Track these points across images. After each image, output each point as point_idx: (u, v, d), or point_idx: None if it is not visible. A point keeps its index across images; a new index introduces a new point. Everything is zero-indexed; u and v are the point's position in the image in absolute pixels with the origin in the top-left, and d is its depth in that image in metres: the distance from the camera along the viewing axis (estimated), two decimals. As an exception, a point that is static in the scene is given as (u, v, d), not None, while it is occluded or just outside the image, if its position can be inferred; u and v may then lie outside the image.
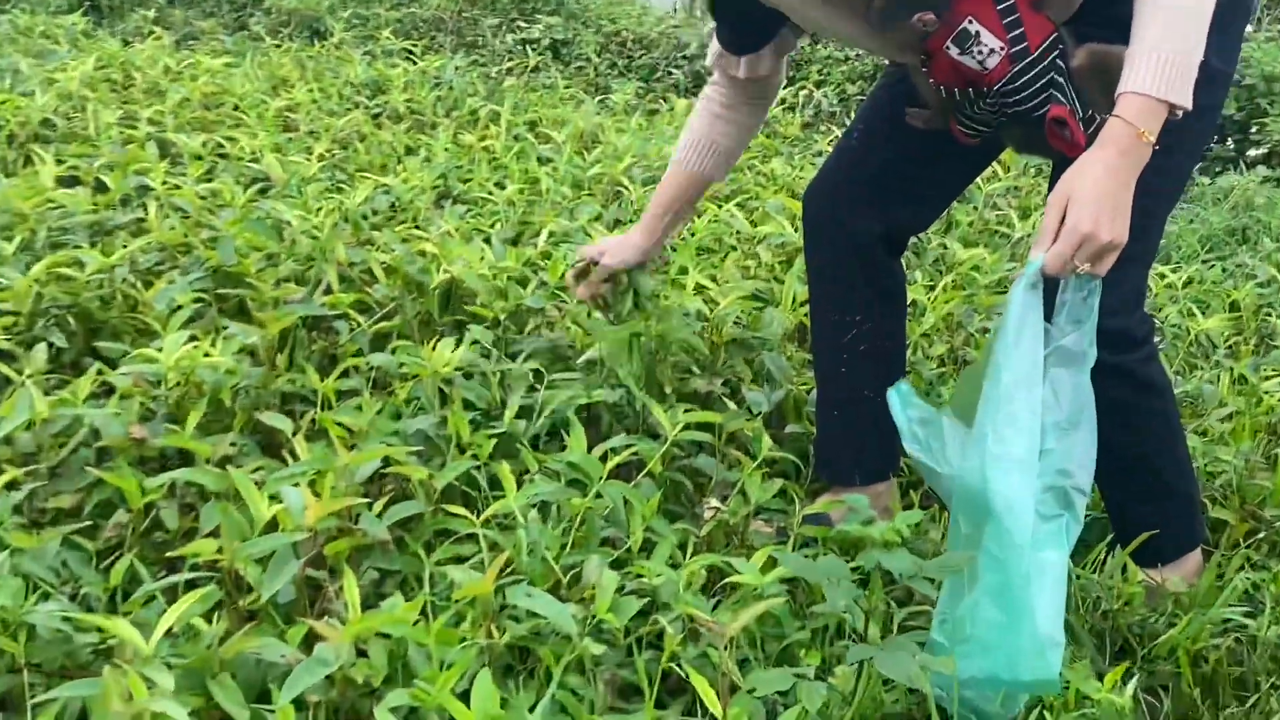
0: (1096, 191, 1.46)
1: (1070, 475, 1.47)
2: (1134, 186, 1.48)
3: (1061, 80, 1.62)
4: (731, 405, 2.11)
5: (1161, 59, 1.46)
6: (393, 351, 2.04)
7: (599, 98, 5.05)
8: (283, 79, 4.40)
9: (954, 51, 1.64)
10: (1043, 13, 1.62)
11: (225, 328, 2.03)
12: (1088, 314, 1.50)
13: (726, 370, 2.31)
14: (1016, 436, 1.42)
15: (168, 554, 1.50)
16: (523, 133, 3.98)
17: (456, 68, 4.97)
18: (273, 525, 1.44)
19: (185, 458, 1.71)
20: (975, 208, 3.71)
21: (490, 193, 3.25)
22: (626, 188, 3.45)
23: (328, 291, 2.27)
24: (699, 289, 2.53)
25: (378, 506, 1.57)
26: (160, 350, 1.82)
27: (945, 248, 3.31)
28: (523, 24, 5.96)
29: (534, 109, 4.46)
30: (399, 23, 5.92)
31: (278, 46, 5.09)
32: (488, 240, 2.79)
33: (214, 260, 2.28)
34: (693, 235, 3.03)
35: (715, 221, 3.11)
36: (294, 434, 1.67)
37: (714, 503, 1.76)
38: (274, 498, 1.46)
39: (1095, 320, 1.50)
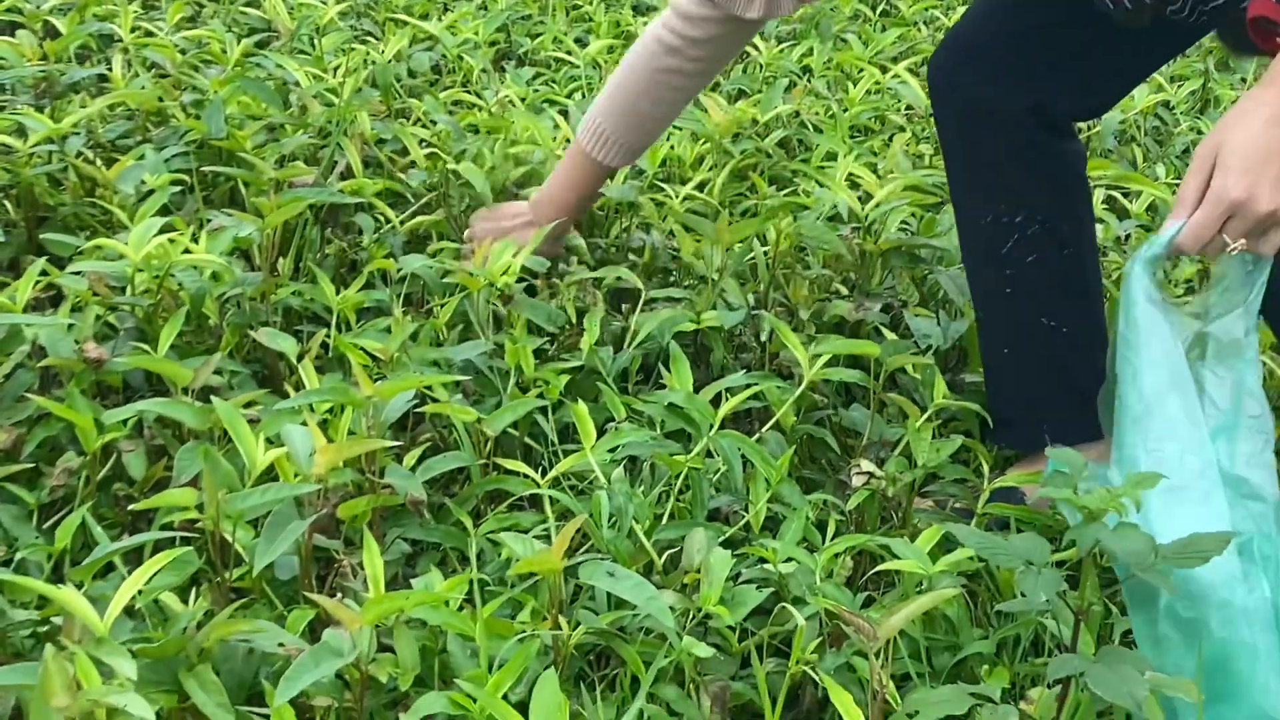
0: (1255, 146, 1.42)
1: (1246, 482, 1.49)
2: None
3: None
4: (892, 336, 2.09)
5: None
6: (433, 256, 2.05)
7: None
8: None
9: None
10: None
11: (210, 220, 2.06)
12: (1252, 291, 1.49)
13: (885, 291, 2.29)
14: (1176, 455, 1.45)
15: (131, 508, 1.53)
16: (615, -28, 3.97)
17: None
18: (270, 476, 1.45)
19: (156, 386, 1.73)
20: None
21: (569, 51, 3.24)
22: (756, 47, 3.42)
23: (347, 176, 2.29)
24: (852, 180, 2.50)
25: (410, 457, 1.59)
26: (125, 245, 1.84)
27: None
28: None
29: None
30: None
31: None
32: (564, 113, 2.79)
33: (197, 131, 2.30)
34: (845, 110, 2.99)
35: (876, 90, 3.07)
36: (300, 359, 1.69)
37: (866, 466, 1.73)
38: (273, 440, 1.48)
39: (1259, 299, 1.49)
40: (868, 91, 3.12)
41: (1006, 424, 1.94)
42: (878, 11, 4.05)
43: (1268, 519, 1.50)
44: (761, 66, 3.37)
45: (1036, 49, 1.85)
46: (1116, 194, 2.79)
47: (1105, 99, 2.00)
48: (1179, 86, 3.51)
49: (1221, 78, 3.70)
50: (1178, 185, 1.63)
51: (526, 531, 1.55)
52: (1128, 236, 2.65)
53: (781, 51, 3.48)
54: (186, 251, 1.85)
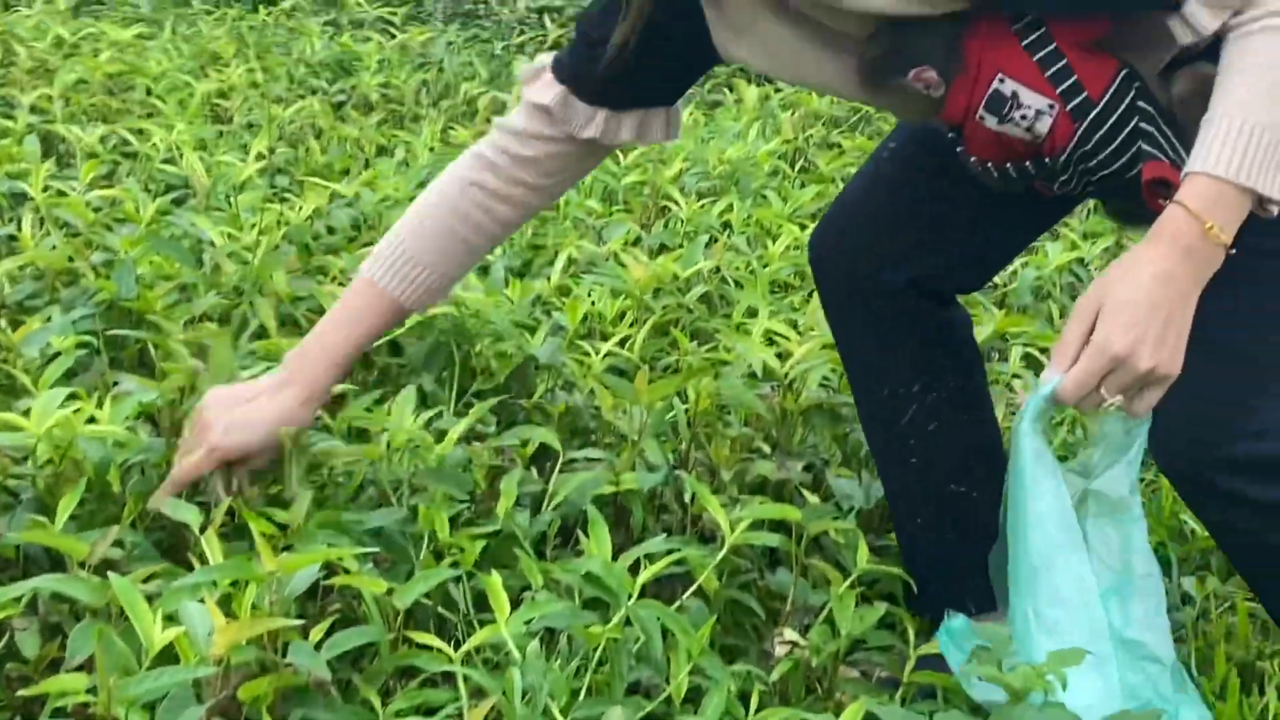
0: (1140, 301, 1.43)
1: (1142, 645, 1.49)
2: (1194, 303, 1.45)
3: (1150, 127, 1.58)
4: (813, 499, 2.07)
5: (1246, 129, 1.43)
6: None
7: (640, 83, 5.05)
8: (214, 56, 4.45)
9: (990, 122, 1.62)
10: (1104, 52, 1.58)
11: (117, 383, 2.01)
12: (1132, 449, 1.50)
13: (807, 449, 2.28)
14: (1069, 619, 1.44)
15: (21, 693, 1.45)
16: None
17: (449, 43, 5.02)
18: (169, 656, 1.40)
19: (54, 560, 1.68)
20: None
21: (490, 207, 3.24)
22: (675, 202, 3.44)
23: (261, 336, 2.26)
24: (771, 338, 2.49)
25: (317, 632, 1.53)
26: (28, 413, 1.79)
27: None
28: (540, -13, 6.01)
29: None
30: (374, -16, 5.99)
31: (210, 14, 5.15)
32: (484, 270, 2.78)
33: (107, 292, 2.26)
34: (764, 266, 3.00)
35: (796, 247, 3.08)
36: (203, 530, 1.64)
37: (789, 635, 1.71)
38: (171, 618, 1.42)
39: (1140, 456, 1.50)
40: (787, 247, 3.14)
41: (927, 592, 1.91)
42: (796, 168, 4.09)
43: (1164, 681, 1.48)
44: (682, 221, 3.39)
45: (915, 225, 1.85)
46: (1035, 350, 2.80)
47: (986, 271, 2.01)
48: (1093, 244, 3.55)
49: (1135, 234, 3.75)
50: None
51: (437, 710, 1.49)
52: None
53: (702, 207, 3.51)
54: (91, 420, 1.81)
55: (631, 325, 2.66)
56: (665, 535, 1.84)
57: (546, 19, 5.63)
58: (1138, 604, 1.51)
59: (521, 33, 5.54)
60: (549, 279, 2.83)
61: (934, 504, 1.88)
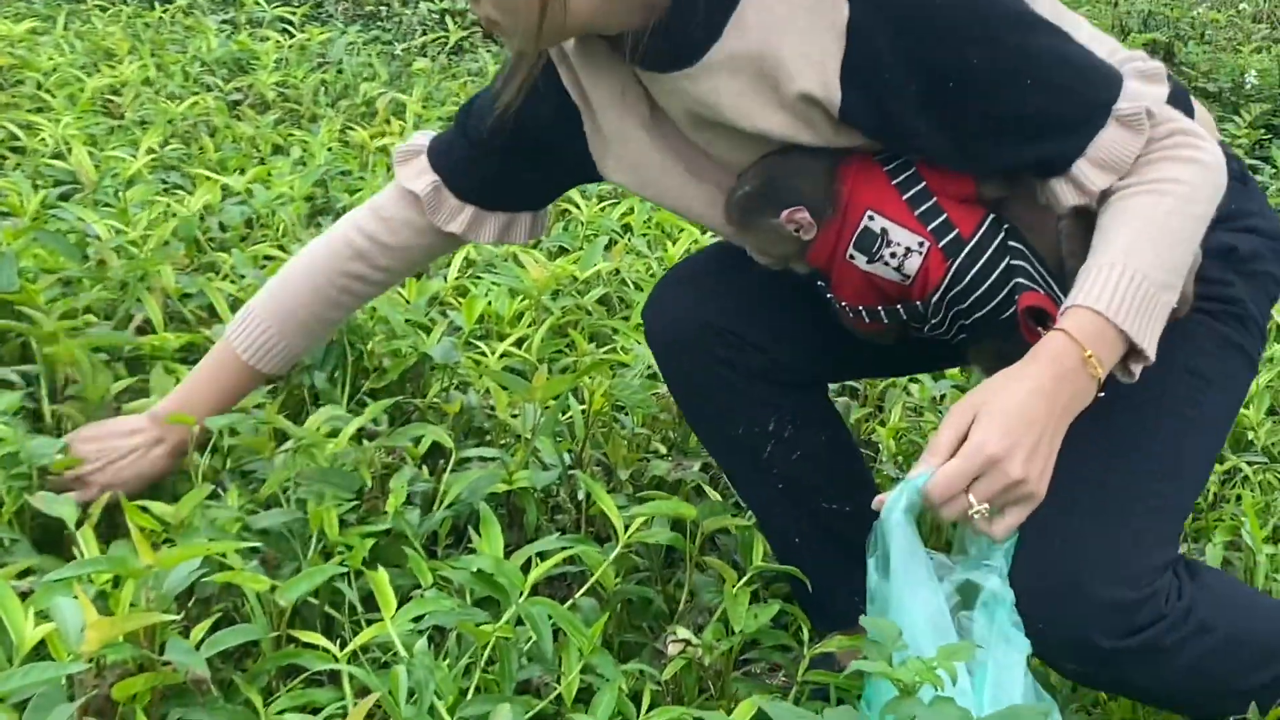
0: (1018, 411, 1.43)
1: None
2: (1064, 431, 1.46)
3: (1024, 264, 1.60)
4: (714, 495, 2.05)
5: (1128, 275, 1.46)
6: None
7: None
8: (108, 52, 4.37)
9: (860, 261, 1.62)
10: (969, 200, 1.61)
11: (-3, 377, 1.96)
12: (999, 555, 1.50)
13: (704, 450, 2.24)
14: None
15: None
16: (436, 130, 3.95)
17: (349, 43, 4.97)
18: (41, 653, 1.36)
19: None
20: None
21: (386, 206, 3.19)
22: (575, 205, 3.42)
23: (146, 331, 2.20)
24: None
25: (197, 631, 1.48)
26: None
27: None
28: (443, -12, 5.97)
29: (454, 100, 4.46)
30: (274, -17, 5.92)
31: (104, 9, 5.06)
32: (379, 269, 2.74)
33: (-12, 284, 2.19)
34: (664, 269, 2.99)
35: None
36: (79, 525, 1.59)
37: (682, 634, 1.69)
38: (43, 614, 1.39)
39: (1009, 559, 1.50)
40: (686, 250, 3.12)
41: (817, 605, 1.87)
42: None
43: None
44: (582, 224, 3.37)
45: (763, 303, 1.80)
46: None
47: (839, 369, 1.99)
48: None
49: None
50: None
51: (321, 709, 1.46)
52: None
53: (602, 210, 3.49)
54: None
55: (529, 326, 2.64)
56: (560, 534, 1.82)
57: (449, 20, 5.59)
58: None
59: (423, 34, 5.49)
60: (445, 278, 2.80)
61: (810, 525, 1.83)
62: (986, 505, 1.41)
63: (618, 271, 3.02)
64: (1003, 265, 1.59)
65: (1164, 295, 1.48)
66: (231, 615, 1.64)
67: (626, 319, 2.76)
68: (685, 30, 1.55)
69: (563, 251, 3.22)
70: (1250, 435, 2.64)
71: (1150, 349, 1.48)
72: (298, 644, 1.55)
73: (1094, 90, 1.54)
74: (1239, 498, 2.41)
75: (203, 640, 1.47)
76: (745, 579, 1.76)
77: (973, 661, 1.43)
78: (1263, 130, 4.80)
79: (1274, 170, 4.40)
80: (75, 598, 1.38)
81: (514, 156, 1.79)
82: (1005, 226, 1.60)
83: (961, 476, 1.41)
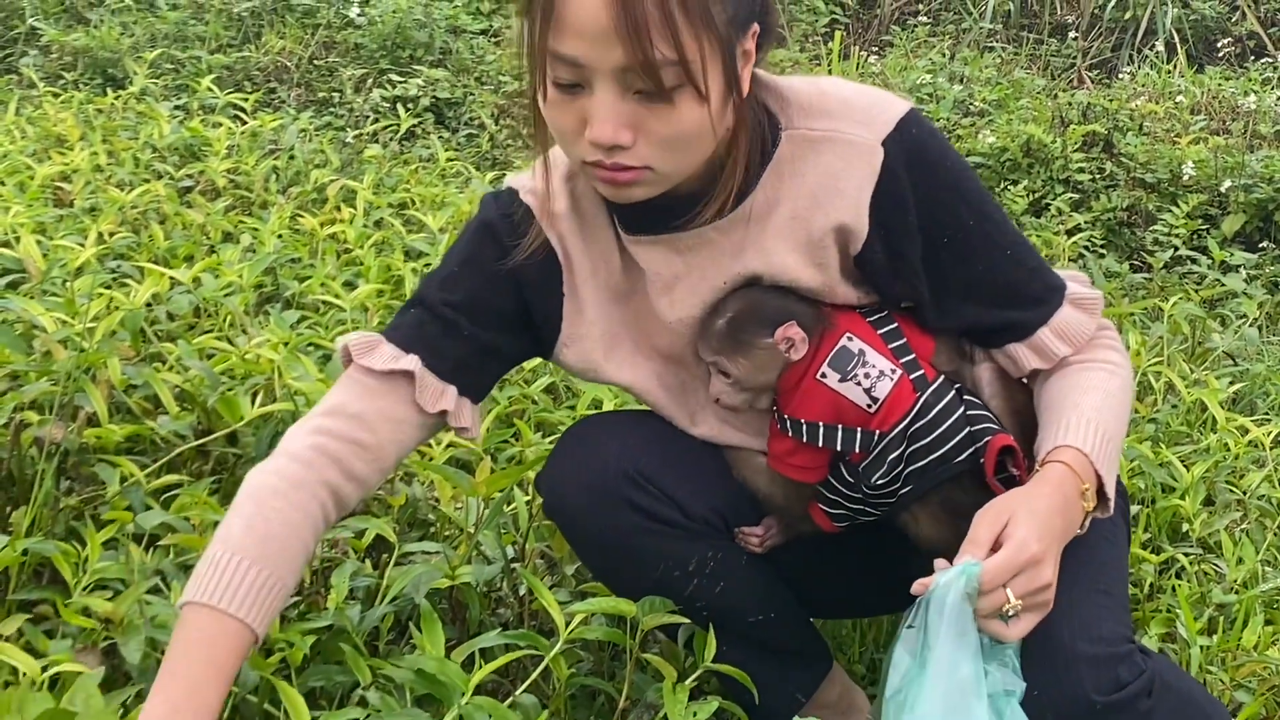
0: (1045, 520, 1.53)
1: None
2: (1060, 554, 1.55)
3: (982, 412, 1.71)
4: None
5: (1100, 430, 1.61)
6: (166, 508, 1.95)
7: (494, 174, 5.06)
8: (59, 138, 4.36)
9: (832, 379, 1.67)
10: (928, 333, 1.72)
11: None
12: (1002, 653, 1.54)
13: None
14: None
15: None
16: (387, 217, 3.96)
17: (301, 130, 4.97)
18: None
19: None
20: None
21: (337, 295, 3.19)
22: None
23: (92, 424, 2.19)
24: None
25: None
26: None
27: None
28: (395, 77, 5.99)
29: (405, 187, 4.46)
30: (226, 70, 5.92)
31: (56, 96, 5.06)
32: (327, 358, 2.73)
33: (-70, 377, 2.18)
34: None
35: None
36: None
37: (624, 731, 1.68)
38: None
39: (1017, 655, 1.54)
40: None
41: (764, 706, 1.86)
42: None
43: None
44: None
45: (661, 440, 1.82)
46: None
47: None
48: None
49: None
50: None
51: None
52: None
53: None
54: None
55: (475, 416, 2.63)
56: (502, 629, 1.82)
57: (400, 108, 5.62)
58: None
59: (375, 121, 5.51)
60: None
61: (737, 639, 1.83)
62: (1020, 602, 1.47)
63: (564, 361, 3.02)
64: (960, 412, 1.67)
65: (1117, 455, 1.63)
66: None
67: (573, 409, 2.76)
68: (726, 182, 1.62)
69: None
70: (1186, 527, 2.66)
71: (1111, 494, 1.61)
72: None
73: (1052, 277, 1.74)
74: (1174, 588, 2.42)
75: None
76: (694, 677, 1.75)
77: None
78: (1200, 220, 4.87)
79: (1210, 262, 4.46)
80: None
81: (487, 317, 1.71)
82: (955, 385, 1.70)
83: (1009, 570, 1.48)
